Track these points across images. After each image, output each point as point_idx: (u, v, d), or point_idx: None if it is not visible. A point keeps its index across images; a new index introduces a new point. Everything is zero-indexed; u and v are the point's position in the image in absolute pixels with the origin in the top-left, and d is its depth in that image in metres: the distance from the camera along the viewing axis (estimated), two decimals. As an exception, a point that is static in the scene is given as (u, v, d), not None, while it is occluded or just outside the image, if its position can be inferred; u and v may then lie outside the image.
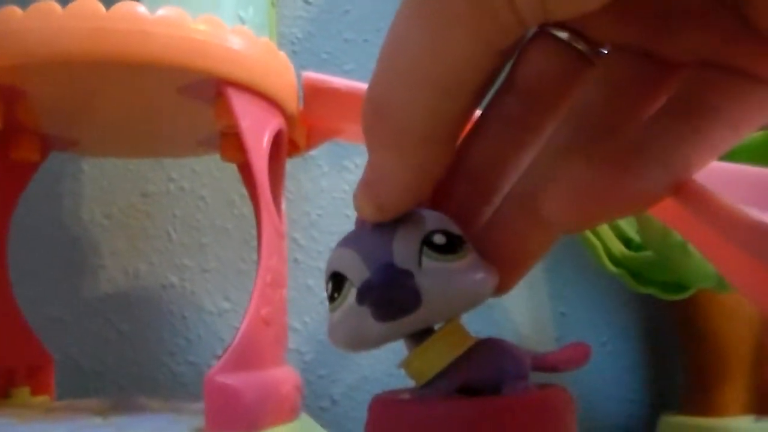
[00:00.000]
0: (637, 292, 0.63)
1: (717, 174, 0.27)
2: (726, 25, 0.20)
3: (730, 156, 0.57)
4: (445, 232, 0.23)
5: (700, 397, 0.68)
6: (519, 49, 0.24)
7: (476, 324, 0.67)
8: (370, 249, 0.23)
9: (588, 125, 0.23)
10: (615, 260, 0.62)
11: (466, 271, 0.23)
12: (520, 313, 0.73)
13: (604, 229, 0.63)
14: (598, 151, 0.21)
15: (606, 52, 0.23)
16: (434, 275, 0.22)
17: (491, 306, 0.71)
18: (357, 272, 0.23)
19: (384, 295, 0.22)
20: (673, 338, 0.75)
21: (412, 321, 0.22)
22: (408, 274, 0.22)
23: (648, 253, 0.60)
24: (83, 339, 0.57)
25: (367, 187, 0.23)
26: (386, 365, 0.65)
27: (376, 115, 0.21)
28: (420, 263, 0.22)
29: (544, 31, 0.23)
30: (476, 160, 0.24)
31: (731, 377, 0.68)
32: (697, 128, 0.20)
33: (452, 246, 0.23)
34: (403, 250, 0.23)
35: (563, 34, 0.23)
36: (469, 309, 0.24)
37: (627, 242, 0.64)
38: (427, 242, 0.23)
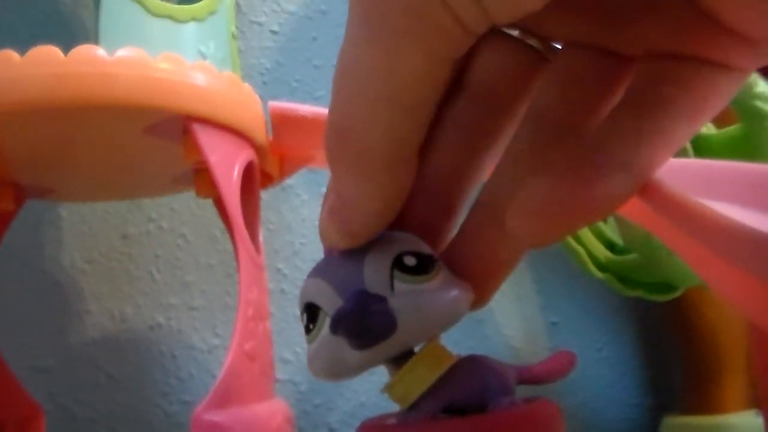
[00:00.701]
0: (626, 295, 0.63)
1: (694, 171, 0.27)
2: (676, 12, 0.19)
3: (707, 151, 0.57)
4: (415, 253, 0.23)
5: (700, 396, 0.68)
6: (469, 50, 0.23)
7: (468, 340, 0.68)
8: (341, 277, 0.23)
9: (547, 126, 0.22)
10: (600, 265, 0.62)
11: (440, 291, 0.22)
12: (512, 326, 0.72)
13: (587, 235, 0.63)
14: (557, 160, 0.20)
15: (559, 47, 0.23)
16: (407, 298, 0.22)
17: (482, 321, 0.71)
18: (330, 301, 0.23)
19: (358, 323, 0.21)
20: (669, 339, 0.74)
21: (389, 346, 0.22)
22: (381, 299, 0.22)
23: (633, 256, 0.60)
24: (73, 386, 0.57)
25: (333, 214, 0.22)
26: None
27: (338, 140, 0.20)
28: (392, 287, 0.22)
29: (493, 30, 0.23)
30: (435, 172, 0.23)
31: (729, 373, 0.67)
32: (656, 124, 0.19)
33: (423, 266, 0.22)
34: (374, 275, 0.22)
35: (514, 32, 0.23)
36: (447, 328, 0.23)
37: (611, 246, 0.64)
38: (397, 265, 0.22)
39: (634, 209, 0.24)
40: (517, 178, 0.22)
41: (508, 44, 0.23)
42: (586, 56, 0.22)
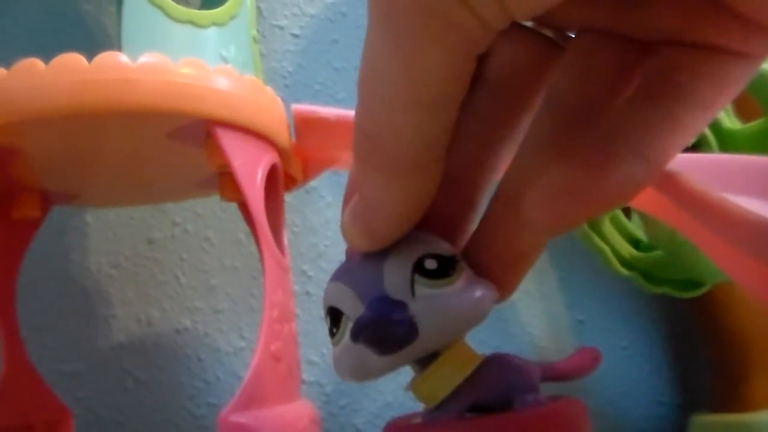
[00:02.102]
0: (651, 293, 0.63)
1: (718, 166, 0.27)
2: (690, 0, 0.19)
3: (732, 146, 0.56)
4: (436, 256, 0.23)
5: (728, 394, 0.67)
6: None
7: (493, 339, 0.68)
8: (362, 282, 0.23)
9: (564, 115, 0.22)
10: (625, 263, 0.62)
11: (461, 294, 0.22)
12: (537, 324, 0.72)
13: (612, 233, 0.62)
14: (572, 148, 0.20)
15: (574, 36, 0.23)
16: (429, 303, 0.22)
17: (507, 320, 0.70)
18: (351, 306, 0.23)
19: (378, 332, 0.22)
20: (696, 336, 0.74)
21: (412, 351, 0.22)
22: (402, 306, 0.22)
23: (658, 253, 0.60)
24: (101, 390, 0.57)
25: (358, 217, 0.22)
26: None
27: (368, 145, 0.20)
28: (413, 292, 0.22)
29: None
30: (454, 165, 0.23)
31: (759, 370, 0.67)
32: (670, 112, 0.19)
33: (444, 269, 0.22)
34: (394, 280, 0.22)
35: (529, 23, 0.23)
36: (471, 329, 0.23)
37: (635, 243, 0.64)
38: (418, 269, 0.22)
39: (657, 205, 0.24)
40: (535, 167, 0.22)
41: (522, 35, 0.23)
42: (601, 43, 0.22)
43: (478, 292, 0.23)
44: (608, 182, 0.19)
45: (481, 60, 0.23)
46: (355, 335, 0.22)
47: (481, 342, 0.64)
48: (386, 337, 0.22)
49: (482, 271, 0.23)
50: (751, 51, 0.19)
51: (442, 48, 0.18)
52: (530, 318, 0.72)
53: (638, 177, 0.20)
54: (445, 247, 0.23)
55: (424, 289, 0.22)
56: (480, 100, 0.23)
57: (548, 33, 0.23)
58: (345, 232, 0.23)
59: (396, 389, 0.65)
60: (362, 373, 0.23)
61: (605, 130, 0.20)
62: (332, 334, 0.24)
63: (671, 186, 0.21)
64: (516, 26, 0.23)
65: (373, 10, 0.19)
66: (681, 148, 0.20)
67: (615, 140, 0.20)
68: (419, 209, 0.22)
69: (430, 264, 0.22)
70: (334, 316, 0.23)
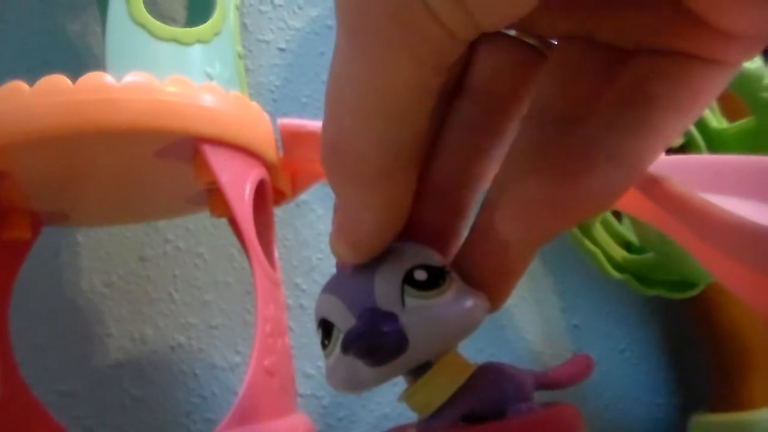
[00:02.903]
0: (645, 295, 0.63)
1: (705, 166, 0.27)
2: (657, 7, 0.19)
3: (720, 146, 0.56)
4: (426, 267, 0.23)
5: (727, 393, 0.67)
6: (468, 51, 0.23)
7: (489, 346, 0.68)
8: (352, 294, 0.23)
9: (545, 123, 0.22)
10: (617, 266, 0.62)
11: (452, 305, 0.22)
12: (533, 330, 0.72)
13: (603, 236, 0.63)
14: (551, 158, 0.20)
15: (555, 42, 0.23)
16: (419, 314, 0.22)
17: (502, 326, 0.70)
18: (342, 318, 0.23)
19: (368, 344, 0.22)
20: (693, 337, 0.74)
21: (403, 362, 0.22)
22: (392, 317, 0.22)
23: (650, 255, 0.60)
24: (98, 409, 0.57)
25: (339, 230, 0.22)
26: (405, 400, 0.64)
27: (334, 155, 0.21)
28: (403, 303, 0.22)
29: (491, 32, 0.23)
30: (441, 175, 0.24)
31: (756, 369, 0.67)
32: (646, 118, 0.19)
33: (434, 280, 0.22)
34: (385, 291, 0.22)
35: (512, 32, 0.23)
36: (463, 339, 0.24)
37: (627, 246, 0.64)
38: (408, 280, 0.22)
39: (644, 208, 0.24)
40: (520, 176, 0.22)
41: (505, 43, 0.23)
42: (581, 49, 0.22)
43: (468, 303, 0.23)
44: (580, 190, 0.19)
45: (467, 69, 0.23)
46: (345, 347, 0.22)
47: (477, 349, 0.64)
48: (376, 348, 0.22)
49: (472, 282, 0.23)
50: (725, 58, 0.19)
51: (409, 58, 0.18)
52: (525, 323, 0.72)
53: (614, 184, 0.19)
54: (435, 258, 0.23)
55: (414, 300, 0.22)
56: (466, 109, 0.23)
57: (531, 41, 0.23)
58: (331, 245, 0.23)
59: (393, 400, 0.65)
60: (354, 385, 0.23)
61: (581, 138, 0.20)
62: (324, 346, 0.24)
63: (655, 190, 0.21)
64: (499, 35, 0.23)
65: (341, 18, 0.19)
66: (658, 154, 0.20)
67: (591, 148, 0.20)
68: (396, 219, 0.22)
69: (420, 275, 0.22)
70: (326, 328, 0.24)
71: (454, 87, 0.24)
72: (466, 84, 0.23)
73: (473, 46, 0.23)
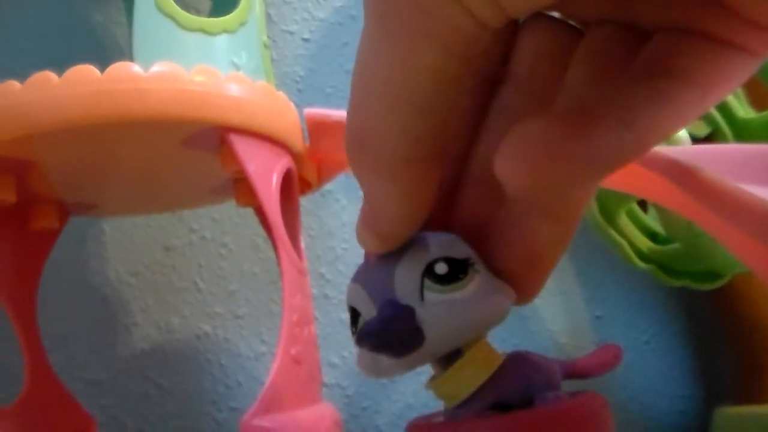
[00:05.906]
0: (670, 286, 0.62)
1: (732, 155, 0.26)
2: None
3: (746, 135, 0.56)
4: (448, 259, 0.23)
5: (751, 385, 0.67)
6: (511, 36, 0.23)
7: (513, 336, 0.67)
8: (375, 284, 0.23)
9: (572, 100, 0.22)
10: (643, 256, 0.61)
11: (471, 300, 0.22)
12: (556, 321, 0.72)
13: (628, 226, 0.62)
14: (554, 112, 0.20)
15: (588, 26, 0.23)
16: (437, 309, 0.22)
17: (526, 317, 0.70)
18: (366, 308, 0.23)
19: (380, 340, 0.22)
20: (717, 328, 0.73)
21: (420, 355, 0.22)
22: (409, 312, 0.22)
23: (675, 245, 0.60)
24: (124, 398, 0.58)
25: (365, 219, 0.22)
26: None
27: (358, 144, 0.20)
28: (422, 297, 0.22)
29: (534, 16, 0.22)
30: (483, 162, 0.23)
31: (781, 360, 0.66)
32: (664, 90, 0.19)
33: (455, 274, 0.22)
34: (405, 284, 0.22)
35: (555, 13, 0.23)
36: (486, 332, 0.23)
37: (653, 236, 0.63)
38: (428, 273, 0.22)
39: (673, 198, 0.24)
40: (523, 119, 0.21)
41: (546, 26, 0.23)
42: (611, 33, 0.21)
43: (489, 297, 0.23)
44: (587, 143, 0.18)
45: (509, 56, 0.23)
46: (359, 341, 0.22)
47: (501, 339, 0.64)
48: (389, 344, 0.22)
49: (501, 273, 0.23)
50: (749, 47, 0.19)
51: (436, 47, 0.18)
52: (549, 314, 0.72)
53: (621, 146, 0.19)
54: (460, 250, 0.23)
55: (434, 294, 0.22)
56: (509, 96, 0.23)
57: (573, 23, 0.23)
58: (357, 234, 0.23)
59: (417, 390, 0.65)
60: (378, 373, 0.23)
61: (596, 99, 0.19)
62: (353, 333, 0.24)
63: (688, 180, 0.21)
64: (543, 17, 0.23)
65: (368, 8, 0.19)
66: (672, 130, 0.19)
67: (603, 108, 0.19)
68: (419, 209, 0.22)
69: (440, 268, 0.22)
70: (353, 315, 0.24)
71: (496, 73, 0.23)
72: (508, 70, 0.23)
73: (516, 32, 0.23)
